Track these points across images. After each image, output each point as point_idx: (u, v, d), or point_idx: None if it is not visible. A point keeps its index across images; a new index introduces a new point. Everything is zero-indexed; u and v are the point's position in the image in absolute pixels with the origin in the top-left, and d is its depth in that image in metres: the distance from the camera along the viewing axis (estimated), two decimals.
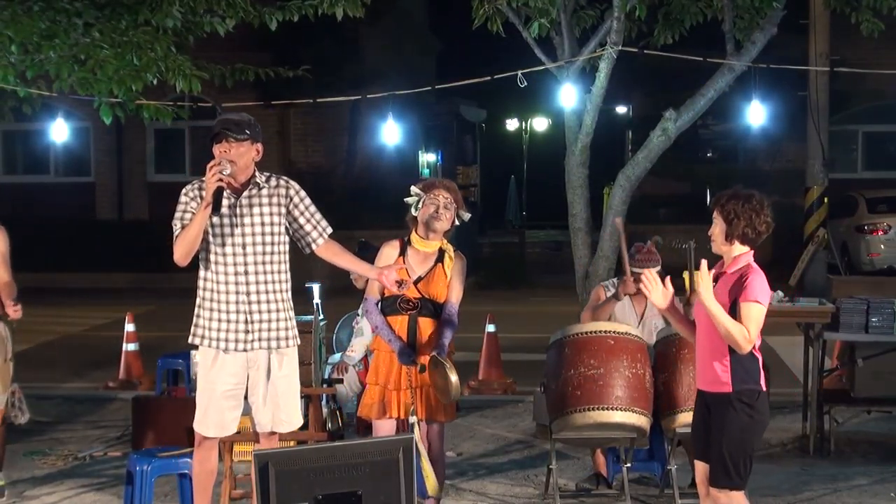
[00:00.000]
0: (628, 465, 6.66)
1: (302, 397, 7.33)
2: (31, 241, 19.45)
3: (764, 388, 5.10)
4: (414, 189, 5.95)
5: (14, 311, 6.60)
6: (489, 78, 10.02)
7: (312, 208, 5.65)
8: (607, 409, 6.28)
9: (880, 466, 7.67)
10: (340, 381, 7.96)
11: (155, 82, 8.60)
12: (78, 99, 9.42)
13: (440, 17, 28.37)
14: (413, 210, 5.93)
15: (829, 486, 7.16)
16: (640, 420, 6.35)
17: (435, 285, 5.89)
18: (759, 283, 5.02)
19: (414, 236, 5.95)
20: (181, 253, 5.43)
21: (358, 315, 7.90)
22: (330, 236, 5.68)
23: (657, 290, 5.11)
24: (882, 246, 18.34)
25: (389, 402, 5.85)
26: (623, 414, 6.30)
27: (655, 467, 7.10)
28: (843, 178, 20.58)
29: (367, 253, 7.51)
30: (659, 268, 6.96)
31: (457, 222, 5.99)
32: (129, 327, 10.53)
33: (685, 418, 6.41)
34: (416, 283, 5.87)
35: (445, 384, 5.64)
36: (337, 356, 8.27)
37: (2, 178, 24.27)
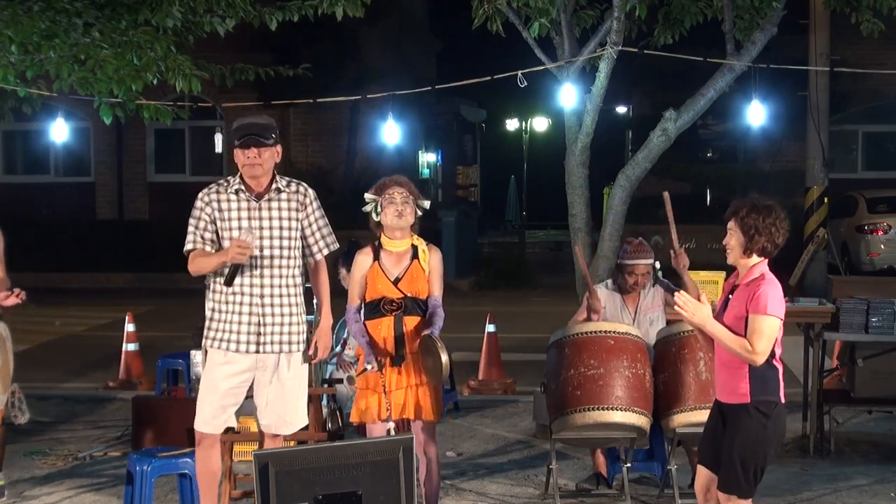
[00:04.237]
0: (628, 465, 6.66)
1: None
2: (31, 241, 19.54)
3: (782, 400, 5.05)
4: (368, 196, 5.95)
5: (17, 297, 6.45)
6: (489, 78, 10.02)
7: (322, 221, 5.70)
8: (607, 409, 6.29)
9: (880, 466, 7.67)
10: (340, 381, 7.95)
11: (155, 82, 8.61)
12: (78, 99, 9.42)
13: (440, 17, 28.38)
14: (374, 216, 5.95)
15: (829, 486, 7.16)
16: (640, 420, 6.35)
17: (415, 282, 5.90)
18: (770, 294, 4.94)
19: (384, 239, 5.96)
20: (195, 272, 5.59)
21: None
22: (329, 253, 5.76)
23: (696, 309, 4.93)
24: (882, 246, 18.34)
25: (381, 405, 5.86)
26: (623, 414, 6.30)
27: (655, 467, 7.10)
28: (843, 178, 20.59)
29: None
30: (652, 260, 6.98)
31: (418, 213, 5.98)
32: (129, 327, 10.53)
33: (685, 418, 6.42)
34: (395, 283, 5.88)
35: (436, 363, 5.66)
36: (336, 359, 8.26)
37: (2, 178, 24.28)
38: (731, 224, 5.06)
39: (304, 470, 4.05)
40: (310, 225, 5.66)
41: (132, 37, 8.46)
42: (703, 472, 5.20)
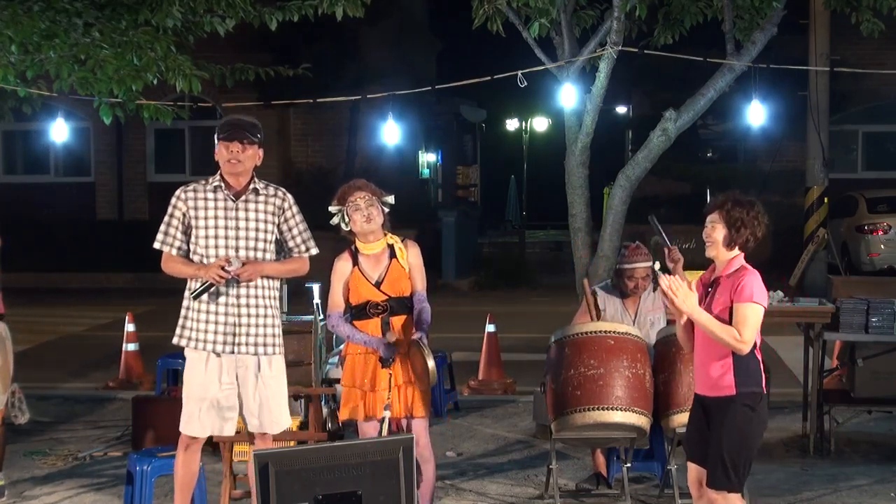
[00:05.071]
0: (628, 465, 6.66)
1: (302, 397, 7.36)
2: (31, 241, 19.55)
3: (765, 391, 5.09)
4: (332, 208, 5.93)
5: None
6: (489, 78, 10.01)
7: (302, 226, 5.69)
8: (607, 409, 6.29)
9: (880, 466, 7.67)
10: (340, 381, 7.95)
11: (155, 82, 8.61)
12: (78, 99, 9.42)
13: (440, 17, 28.39)
14: (344, 225, 5.92)
15: (829, 486, 7.16)
16: (640, 420, 6.35)
17: (397, 282, 5.89)
18: (754, 283, 4.99)
19: (358, 244, 5.94)
20: (168, 272, 5.71)
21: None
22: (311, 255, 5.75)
23: (686, 296, 4.95)
24: (882, 246, 18.34)
25: (368, 403, 5.85)
26: (623, 414, 6.30)
27: (655, 467, 7.10)
28: (843, 178, 20.59)
29: None
30: (650, 263, 6.99)
31: (385, 210, 5.95)
32: (129, 327, 10.53)
33: (685, 418, 6.39)
34: (377, 286, 5.86)
35: (423, 368, 5.66)
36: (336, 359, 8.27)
37: (2, 178, 24.28)
38: (714, 217, 5.09)
39: (304, 470, 4.05)
40: (289, 229, 5.66)
41: (132, 37, 8.46)
42: (693, 468, 5.23)
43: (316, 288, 8.73)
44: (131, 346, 10.52)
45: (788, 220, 19.89)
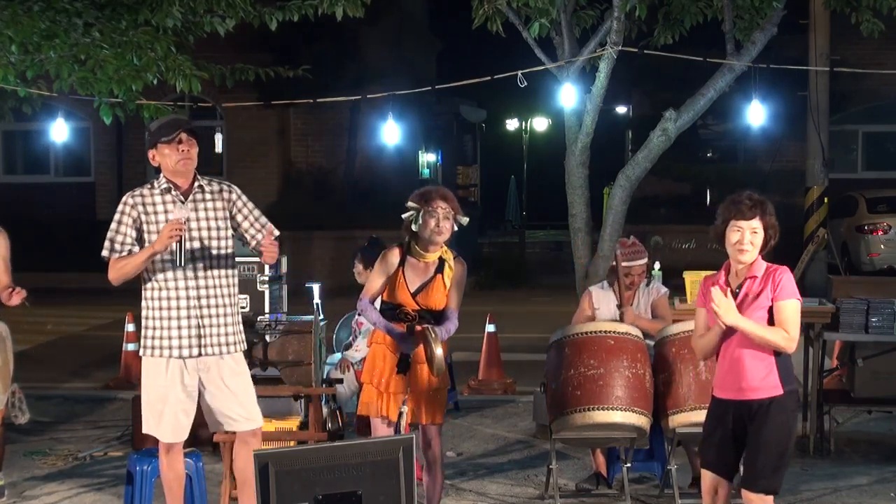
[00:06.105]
0: (628, 465, 6.66)
1: (302, 397, 7.36)
2: (31, 241, 19.50)
3: None
4: (411, 203, 5.80)
5: (18, 294, 6.47)
6: (489, 78, 10.01)
7: (256, 212, 5.65)
8: (607, 409, 6.29)
9: (880, 466, 7.67)
10: (340, 381, 7.96)
11: (155, 82, 8.61)
12: (78, 99, 9.42)
13: (440, 17, 28.38)
14: (414, 226, 5.80)
15: (829, 486, 7.16)
16: (640, 420, 6.35)
17: (434, 296, 5.84)
18: (791, 279, 4.95)
19: (415, 247, 5.85)
20: (117, 279, 5.50)
21: (358, 315, 7.89)
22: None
23: (728, 308, 4.89)
24: (882, 246, 18.35)
25: (385, 403, 5.84)
26: (623, 414, 6.30)
27: (655, 467, 7.10)
28: (843, 178, 20.61)
29: (375, 250, 7.49)
30: (646, 260, 6.99)
31: (455, 228, 5.90)
32: (129, 327, 10.53)
33: (685, 418, 6.41)
34: (414, 295, 5.83)
35: (430, 357, 5.62)
36: (337, 356, 8.27)
37: (2, 178, 24.29)
38: (756, 223, 4.97)
39: (304, 470, 4.05)
40: (245, 218, 5.61)
41: (132, 37, 8.46)
42: (708, 476, 5.12)
43: (316, 288, 8.72)
44: (131, 346, 10.51)
45: (788, 220, 19.90)
